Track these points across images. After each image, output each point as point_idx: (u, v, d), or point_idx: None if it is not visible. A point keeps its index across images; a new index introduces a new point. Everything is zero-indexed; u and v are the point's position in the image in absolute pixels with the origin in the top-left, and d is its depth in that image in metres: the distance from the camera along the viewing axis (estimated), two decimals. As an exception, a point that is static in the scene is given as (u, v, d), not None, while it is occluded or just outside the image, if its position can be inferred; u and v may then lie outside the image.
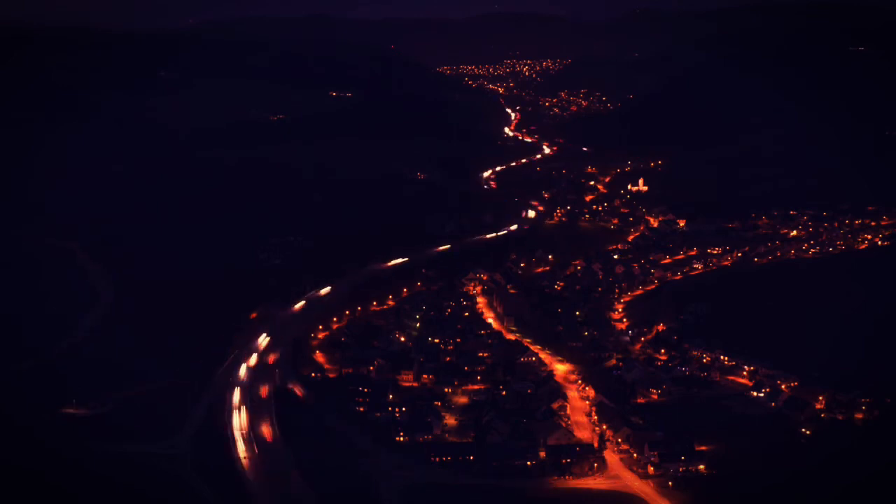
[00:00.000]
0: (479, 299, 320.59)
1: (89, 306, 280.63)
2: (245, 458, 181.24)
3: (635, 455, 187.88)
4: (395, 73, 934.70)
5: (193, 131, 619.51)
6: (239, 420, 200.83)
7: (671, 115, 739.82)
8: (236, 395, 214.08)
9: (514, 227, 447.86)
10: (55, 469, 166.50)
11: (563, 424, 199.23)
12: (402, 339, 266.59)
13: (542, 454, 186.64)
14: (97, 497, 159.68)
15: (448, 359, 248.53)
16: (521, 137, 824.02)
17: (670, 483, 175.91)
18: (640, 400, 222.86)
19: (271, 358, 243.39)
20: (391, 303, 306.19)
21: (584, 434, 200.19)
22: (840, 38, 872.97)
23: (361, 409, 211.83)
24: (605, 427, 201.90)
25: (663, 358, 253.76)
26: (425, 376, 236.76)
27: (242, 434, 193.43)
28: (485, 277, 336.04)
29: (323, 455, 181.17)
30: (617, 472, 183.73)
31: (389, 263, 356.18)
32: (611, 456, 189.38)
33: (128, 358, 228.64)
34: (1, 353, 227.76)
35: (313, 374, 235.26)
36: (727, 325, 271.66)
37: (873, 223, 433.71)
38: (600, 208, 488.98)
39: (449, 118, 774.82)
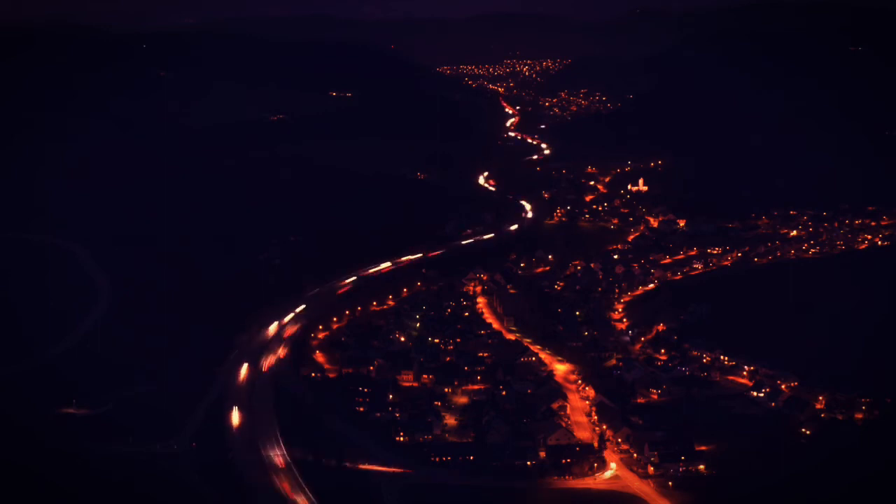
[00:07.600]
0: (479, 299, 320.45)
1: (89, 306, 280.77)
2: (245, 458, 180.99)
3: (635, 455, 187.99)
4: (395, 73, 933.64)
5: (194, 131, 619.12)
6: (239, 420, 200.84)
7: (671, 115, 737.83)
8: (236, 396, 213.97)
9: (514, 227, 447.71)
10: (55, 469, 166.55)
11: (563, 424, 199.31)
12: (402, 339, 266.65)
13: (542, 454, 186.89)
14: (97, 497, 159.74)
15: (448, 359, 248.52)
16: (521, 137, 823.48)
17: (670, 483, 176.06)
18: (640, 400, 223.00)
19: (271, 358, 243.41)
20: (391, 303, 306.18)
21: (584, 434, 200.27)
22: (840, 38, 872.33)
23: (361, 409, 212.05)
24: (605, 427, 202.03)
25: (663, 358, 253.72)
26: (425, 376, 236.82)
27: (242, 434, 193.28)
28: (485, 277, 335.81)
29: (323, 455, 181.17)
30: (617, 472, 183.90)
31: (387, 264, 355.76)
32: (611, 456, 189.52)
33: (128, 358, 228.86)
34: (1, 353, 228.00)
35: (313, 374, 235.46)
36: (727, 325, 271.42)
37: (873, 223, 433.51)
38: (600, 208, 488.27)
39: (449, 118, 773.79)
